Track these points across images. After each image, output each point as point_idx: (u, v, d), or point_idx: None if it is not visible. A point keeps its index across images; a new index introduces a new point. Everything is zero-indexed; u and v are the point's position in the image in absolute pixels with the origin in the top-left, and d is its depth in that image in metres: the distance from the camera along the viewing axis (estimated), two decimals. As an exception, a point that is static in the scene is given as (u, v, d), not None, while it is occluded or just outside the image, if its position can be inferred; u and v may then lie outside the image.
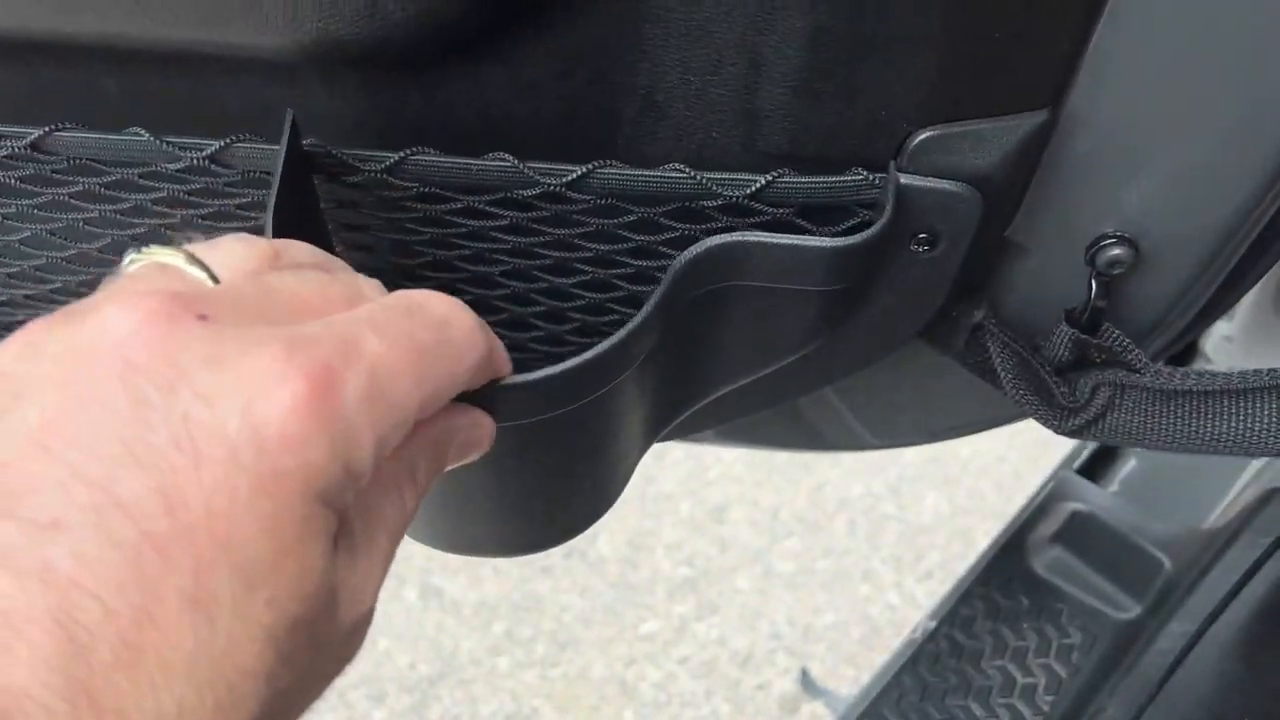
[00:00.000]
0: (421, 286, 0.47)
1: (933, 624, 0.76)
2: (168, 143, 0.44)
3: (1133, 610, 0.73)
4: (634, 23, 0.40)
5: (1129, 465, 0.83)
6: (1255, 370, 0.48)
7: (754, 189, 0.43)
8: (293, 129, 0.41)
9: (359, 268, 0.40)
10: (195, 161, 0.44)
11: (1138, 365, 0.49)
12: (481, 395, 0.36)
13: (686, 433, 0.63)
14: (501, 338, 0.54)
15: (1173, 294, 0.49)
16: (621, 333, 0.40)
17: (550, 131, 0.44)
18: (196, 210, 0.47)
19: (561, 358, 0.44)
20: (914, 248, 0.45)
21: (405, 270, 0.50)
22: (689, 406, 0.53)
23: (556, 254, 0.48)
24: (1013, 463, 1.85)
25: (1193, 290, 0.49)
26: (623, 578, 1.74)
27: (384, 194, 0.45)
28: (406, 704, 1.59)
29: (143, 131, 0.44)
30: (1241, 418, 0.49)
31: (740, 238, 0.43)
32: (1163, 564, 0.74)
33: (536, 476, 0.47)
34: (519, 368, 0.40)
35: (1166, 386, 0.49)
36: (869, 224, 0.43)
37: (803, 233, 0.45)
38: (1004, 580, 0.77)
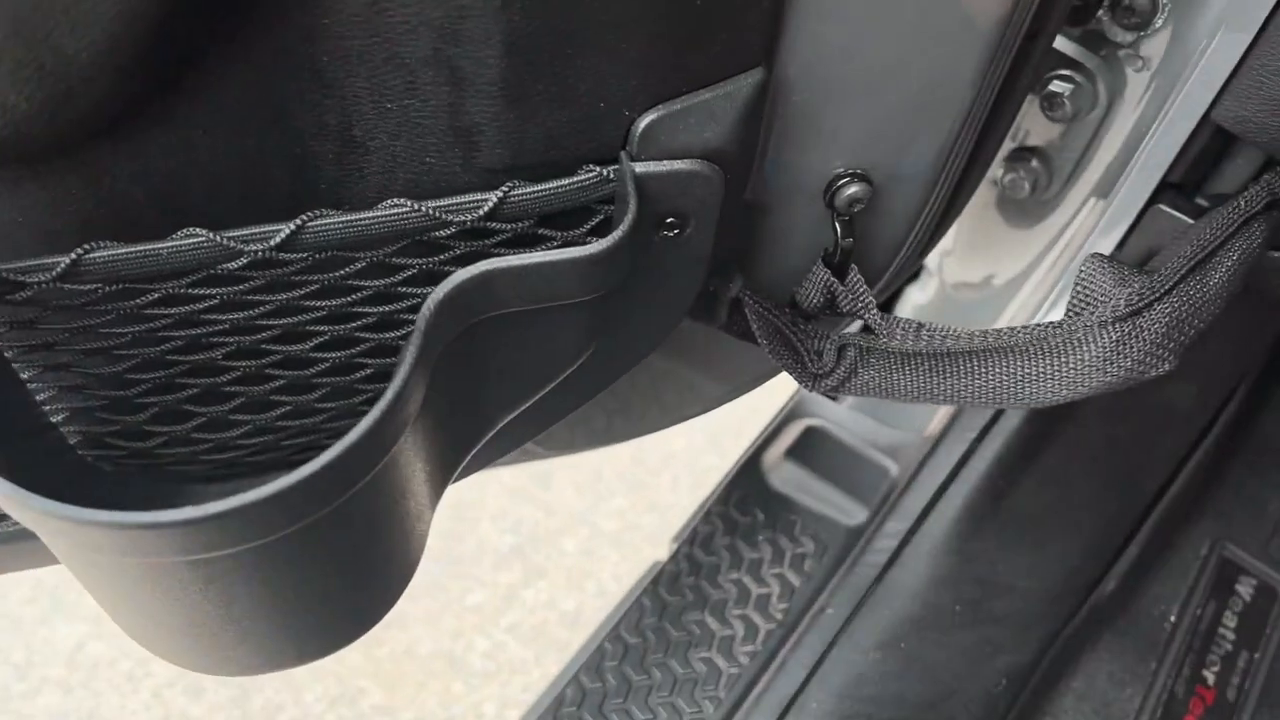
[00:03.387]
0: (134, 390, 0.41)
1: (674, 545, 0.77)
2: None
3: (861, 516, 0.75)
4: (306, 55, 0.36)
5: (866, 381, 0.86)
6: (982, 331, 0.50)
7: (486, 209, 0.40)
8: None
9: (59, 388, 0.34)
10: None
11: (874, 325, 0.51)
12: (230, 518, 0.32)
13: (473, 469, 0.59)
14: (242, 424, 0.47)
15: (908, 221, 0.50)
16: (383, 402, 0.35)
17: (242, 193, 0.39)
18: None
19: (314, 431, 0.38)
20: (664, 233, 0.44)
21: (114, 379, 0.42)
22: (473, 446, 0.50)
23: (283, 321, 0.42)
24: (829, 408, 1.90)
25: (925, 213, 0.50)
26: (447, 551, 1.72)
27: (65, 303, 0.39)
28: (225, 696, 1.54)
29: None
30: (974, 376, 0.51)
31: (488, 267, 0.39)
32: (889, 470, 0.77)
33: (328, 572, 0.42)
34: (270, 452, 0.36)
35: (900, 348, 0.50)
36: (611, 219, 0.41)
37: (546, 242, 0.42)
38: (741, 497, 0.78)
